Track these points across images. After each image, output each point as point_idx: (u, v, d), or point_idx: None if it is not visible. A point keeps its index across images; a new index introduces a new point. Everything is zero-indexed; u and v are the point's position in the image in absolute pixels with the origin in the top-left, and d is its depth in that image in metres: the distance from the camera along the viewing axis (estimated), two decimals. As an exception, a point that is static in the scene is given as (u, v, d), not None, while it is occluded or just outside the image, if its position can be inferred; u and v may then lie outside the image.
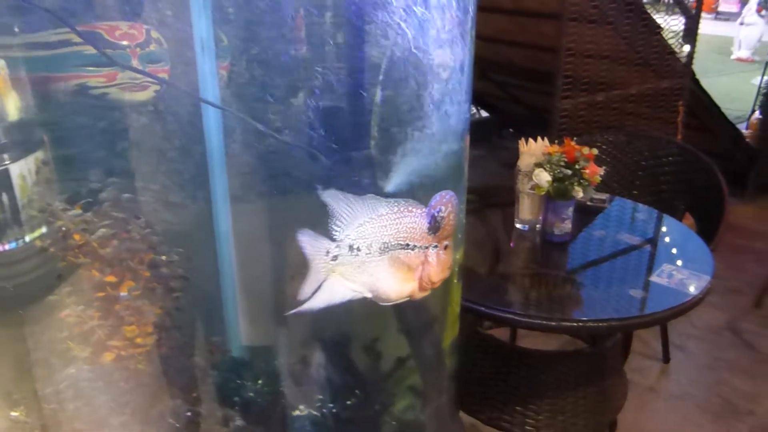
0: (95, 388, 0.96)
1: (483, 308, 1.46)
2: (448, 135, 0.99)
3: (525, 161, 1.70)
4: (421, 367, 1.18)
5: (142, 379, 1.00)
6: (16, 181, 0.86)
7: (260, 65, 0.98)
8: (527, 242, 1.80)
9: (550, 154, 1.64)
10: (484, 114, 5.49)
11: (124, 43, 0.94)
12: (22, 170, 0.86)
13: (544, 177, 1.61)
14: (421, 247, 0.89)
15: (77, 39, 0.92)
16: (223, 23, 0.95)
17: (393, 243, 0.87)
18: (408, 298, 0.92)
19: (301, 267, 0.87)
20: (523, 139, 1.75)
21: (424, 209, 0.88)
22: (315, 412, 1.11)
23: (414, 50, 0.89)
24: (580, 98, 2.62)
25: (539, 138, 1.74)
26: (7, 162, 0.85)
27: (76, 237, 1.00)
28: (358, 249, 0.86)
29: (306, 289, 0.87)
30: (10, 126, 0.84)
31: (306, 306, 0.88)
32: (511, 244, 1.82)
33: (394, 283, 0.89)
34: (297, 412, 1.11)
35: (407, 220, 0.87)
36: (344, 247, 0.86)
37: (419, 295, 0.92)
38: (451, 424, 1.29)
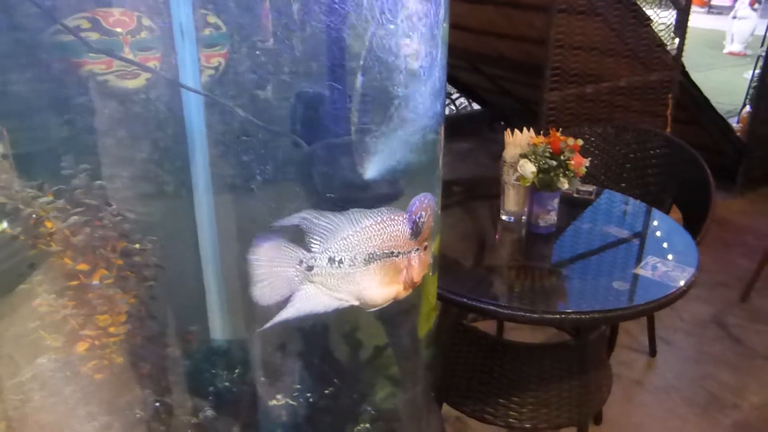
0: (63, 378, 0.94)
1: (466, 300, 1.45)
2: (419, 124, 0.98)
3: (510, 152, 1.69)
4: (397, 356, 1.17)
5: (113, 369, 0.98)
6: None
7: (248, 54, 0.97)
8: (512, 234, 1.79)
9: (535, 144, 1.63)
10: (476, 107, 5.48)
11: (118, 30, 0.93)
12: None
13: (528, 168, 1.59)
14: (404, 252, 0.89)
15: (86, 24, 0.91)
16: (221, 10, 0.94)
17: (378, 253, 0.87)
18: (393, 300, 0.93)
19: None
20: (509, 130, 1.73)
21: (405, 216, 0.89)
22: (292, 402, 1.10)
23: (380, 38, 0.88)
24: (569, 90, 2.61)
25: (525, 129, 1.73)
26: None
27: (48, 224, 0.99)
28: (341, 262, 0.86)
29: (273, 298, 0.86)
30: None
31: (282, 316, 0.87)
32: (497, 236, 1.81)
33: (380, 290, 0.89)
34: (274, 402, 1.10)
35: (391, 229, 0.88)
36: (322, 258, 0.85)
37: (403, 294, 0.93)
38: (427, 414, 1.28)
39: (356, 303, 0.89)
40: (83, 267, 1.01)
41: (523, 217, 1.77)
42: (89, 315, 1.01)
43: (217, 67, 1.02)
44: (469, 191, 2.04)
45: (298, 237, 0.86)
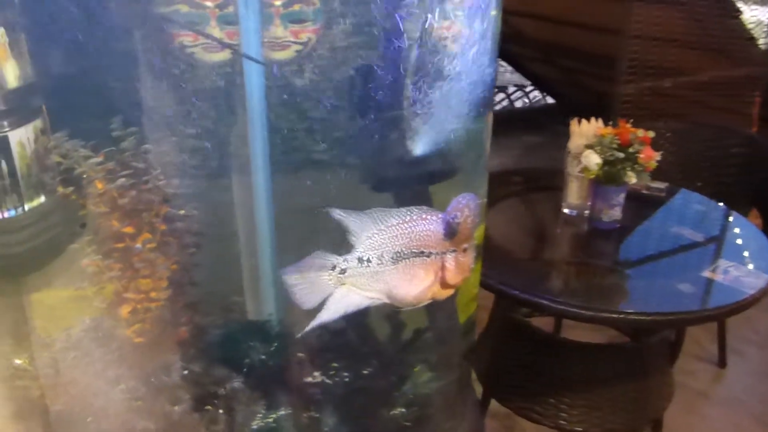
0: (104, 339, 0.95)
1: (518, 293, 1.40)
2: (460, 108, 0.94)
3: (575, 142, 1.62)
4: (435, 342, 1.13)
5: (152, 333, 0.99)
6: (15, 149, 0.84)
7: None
8: (573, 228, 1.72)
9: (602, 135, 1.55)
10: (551, 101, 5.34)
11: (207, 3, 0.93)
12: (21, 138, 0.85)
13: (593, 159, 1.52)
14: (437, 253, 0.86)
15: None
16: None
17: (406, 252, 0.85)
18: (431, 300, 0.91)
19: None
20: (576, 119, 1.66)
21: (438, 215, 0.86)
22: (328, 380, 1.08)
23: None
24: (645, 83, 2.48)
25: (593, 119, 1.65)
26: (6, 129, 0.84)
27: (99, 185, 1.00)
28: (369, 260, 0.85)
29: (307, 305, 0.86)
30: (9, 94, 0.83)
31: (318, 320, 0.87)
32: (557, 230, 1.74)
33: (411, 289, 0.87)
34: (310, 379, 1.08)
35: (420, 228, 0.85)
36: (352, 260, 0.85)
37: (441, 295, 0.90)
38: (462, 404, 1.23)
39: (387, 301, 0.88)
40: (129, 230, 1.01)
41: (586, 212, 1.69)
42: (132, 278, 1.02)
43: (305, 42, 1.01)
44: (531, 182, 1.97)
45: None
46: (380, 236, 0.84)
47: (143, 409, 0.91)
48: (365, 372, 1.10)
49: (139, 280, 1.02)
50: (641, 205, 1.81)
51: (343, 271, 0.84)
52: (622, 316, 1.37)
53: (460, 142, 0.97)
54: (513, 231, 1.69)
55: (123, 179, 0.98)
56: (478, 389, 1.76)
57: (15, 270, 0.92)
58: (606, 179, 1.56)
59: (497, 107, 5.35)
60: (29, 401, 0.93)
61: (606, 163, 1.52)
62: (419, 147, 0.98)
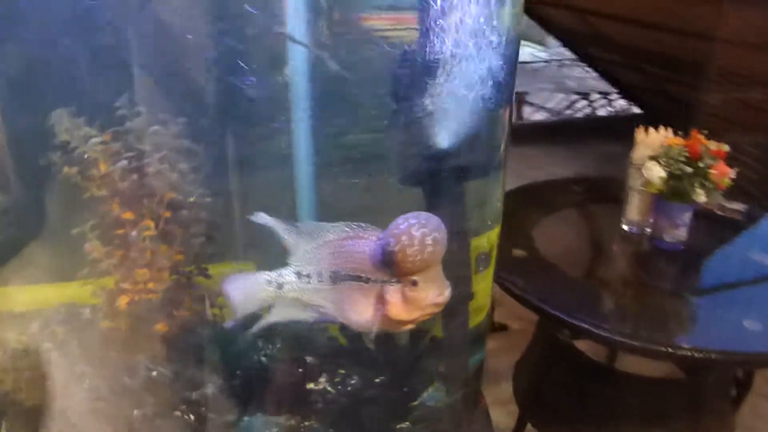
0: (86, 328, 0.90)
1: (560, 314, 1.27)
2: (465, 107, 0.84)
3: (639, 153, 1.47)
4: (445, 352, 1.04)
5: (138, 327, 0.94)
6: None
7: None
8: (632, 246, 1.56)
9: (669, 146, 1.40)
10: (637, 110, 5.07)
11: None
12: None
13: (656, 172, 1.37)
14: (375, 280, 0.75)
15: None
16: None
17: (342, 273, 0.76)
18: (382, 329, 0.79)
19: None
20: (642, 127, 1.50)
21: (378, 235, 0.74)
22: (331, 388, 1.00)
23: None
24: (734, 94, 2.26)
25: (662, 128, 1.49)
26: None
27: (102, 166, 0.95)
28: (308, 276, 0.77)
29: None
30: None
31: (263, 322, 0.82)
32: (613, 246, 1.59)
33: (353, 315, 0.76)
34: (312, 385, 1.00)
35: (355, 249, 0.75)
36: (289, 275, 0.78)
37: (396, 327, 0.78)
38: (469, 422, 1.13)
39: (339, 319, 0.79)
40: (128, 216, 0.96)
41: (647, 229, 1.54)
42: (130, 268, 0.97)
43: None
44: (591, 193, 1.82)
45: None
46: (317, 252, 0.76)
47: (104, 410, 0.85)
48: (375, 381, 1.02)
49: (136, 270, 0.97)
50: (712, 226, 1.63)
51: (280, 286, 0.78)
52: (675, 350, 1.22)
53: (470, 139, 0.87)
54: (564, 244, 1.56)
55: (125, 161, 0.94)
56: (514, 410, 1.65)
57: None
58: (671, 195, 1.40)
59: (578, 114, 5.13)
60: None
61: (671, 177, 1.37)
62: (439, 140, 0.89)
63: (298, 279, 0.77)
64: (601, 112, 5.27)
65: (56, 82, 0.89)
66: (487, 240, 1.00)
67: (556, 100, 5.25)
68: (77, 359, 0.88)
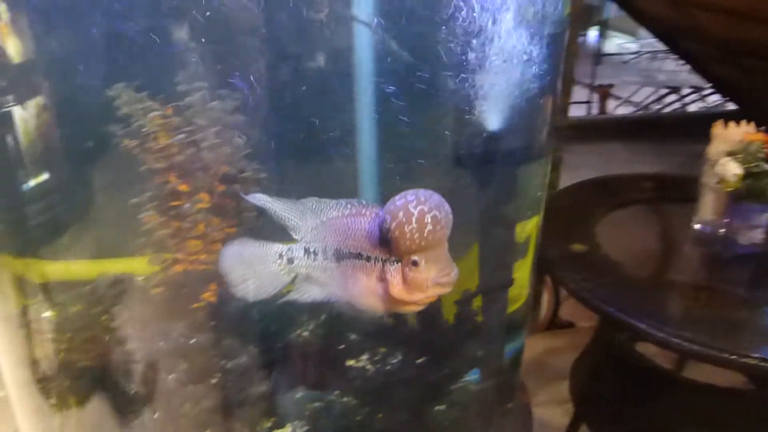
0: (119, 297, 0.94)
1: (622, 315, 1.22)
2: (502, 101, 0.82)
3: (716, 148, 1.39)
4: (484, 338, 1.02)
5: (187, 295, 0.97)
6: (18, 124, 0.84)
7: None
8: (703, 248, 1.48)
9: (748, 142, 1.31)
10: (732, 106, 4.80)
11: None
12: (23, 114, 0.84)
13: (731, 169, 1.29)
14: (376, 258, 0.73)
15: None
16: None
17: (344, 251, 0.74)
18: (388, 311, 0.77)
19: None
20: (721, 121, 1.42)
21: (377, 212, 0.72)
22: (370, 366, 1.00)
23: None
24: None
25: (745, 122, 1.40)
26: (10, 104, 0.84)
27: (162, 139, 0.98)
28: (315, 253, 0.77)
29: (263, 295, 0.80)
30: (11, 69, 0.83)
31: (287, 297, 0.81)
32: (684, 248, 1.51)
33: (357, 294, 0.75)
34: (352, 362, 1.01)
35: (355, 226, 0.73)
36: (298, 250, 0.77)
37: (403, 309, 0.76)
38: (502, 412, 1.10)
39: (347, 300, 0.78)
40: (184, 188, 1.00)
41: (722, 230, 1.45)
42: (184, 238, 1.00)
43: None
44: (664, 190, 1.74)
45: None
46: (321, 229, 0.75)
47: (144, 372, 0.89)
48: (415, 361, 1.02)
49: (190, 240, 1.00)
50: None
51: (290, 260, 0.77)
52: (742, 359, 1.15)
53: (505, 124, 0.84)
54: (629, 242, 1.50)
55: (182, 135, 0.97)
56: (571, 410, 1.60)
57: (24, 245, 0.93)
58: (747, 194, 1.32)
59: (667, 110, 4.90)
60: (51, 359, 0.95)
61: (749, 175, 1.29)
62: (475, 122, 0.87)
63: (305, 256, 0.77)
64: (693, 108, 5.01)
65: (119, 57, 0.93)
66: (525, 229, 0.97)
67: (644, 94, 5.03)
68: (128, 324, 0.92)
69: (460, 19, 0.81)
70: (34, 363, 0.96)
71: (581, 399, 1.55)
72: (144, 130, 0.96)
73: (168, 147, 0.98)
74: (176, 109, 0.95)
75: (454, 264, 0.71)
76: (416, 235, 0.68)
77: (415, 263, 0.70)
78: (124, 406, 0.94)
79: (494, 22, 0.81)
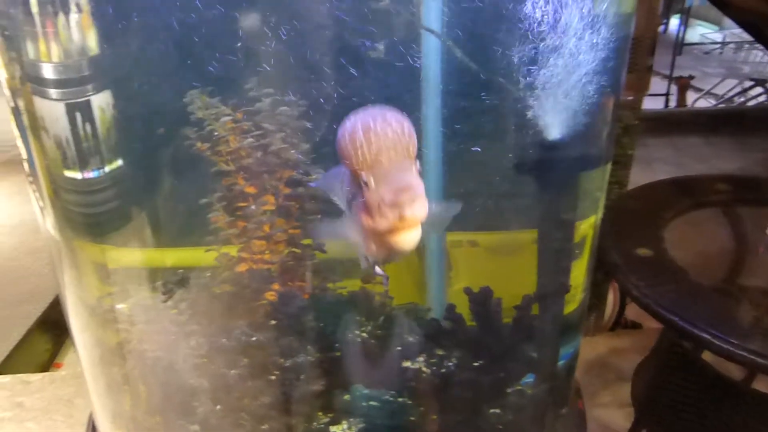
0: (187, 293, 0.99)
1: (687, 325, 1.19)
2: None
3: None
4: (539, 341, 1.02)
5: (251, 293, 1.01)
6: (96, 113, 0.89)
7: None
8: (778, 255, 1.43)
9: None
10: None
11: None
12: (101, 103, 0.89)
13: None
14: (351, 189, 0.71)
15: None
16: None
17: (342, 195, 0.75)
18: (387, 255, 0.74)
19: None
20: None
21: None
22: (426, 369, 1.02)
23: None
24: None
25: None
26: (90, 93, 0.88)
27: (233, 142, 1.03)
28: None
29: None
30: (91, 60, 0.87)
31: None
32: (757, 254, 1.46)
33: (360, 239, 0.73)
34: (408, 364, 1.03)
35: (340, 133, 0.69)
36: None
37: (389, 245, 0.69)
38: (554, 421, 1.10)
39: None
40: (251, 190, 1.04)
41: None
42: (250, 238, 1.05)
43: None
44: (739, 192, 1.67)
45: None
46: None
47: (207, 367, 0.94)
48: (472, 364, 1.03)
49: (254, 240, 1.05)
50: None
51: None
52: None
53: (565, 127, 0.84)
54: (699, 248, 1.46)
55: (251, 139, 1.01)
56: (630, 412, 1.58)
57: (100, 228, 0.98)
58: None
59: (751, 102, 4.68)
60: (121, 349, 1.01)
61: (829, 183, 1.23)
62: (550, 130, 0.87)
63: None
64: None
65: (194, 63, 0.98)
66: (580, 230, 0.97)
67: (727, 86, 4.82)
68: (191, 318, 0.97)
69: (527, 22, 0.80)
70: (106, 347, 1.03)
71: (643, 404, 1.53)
72: (216, 134, 1.01)
73: (237, 150, 1.02)
74: (246, 114, 0.99)
75: (415, 187, 0.65)
76: (358, 150, 0.64)
77: (365, 183, 0.66)
78: (187, 395, 1.00)
79: (558, 28, 0.81)
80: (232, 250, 1.05)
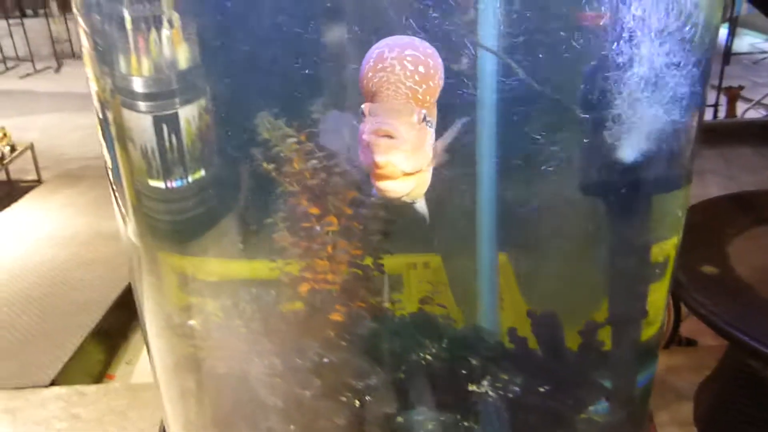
0: (260, 312, 1.00)
1: (755, 343, 1.16)
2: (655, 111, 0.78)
3: None
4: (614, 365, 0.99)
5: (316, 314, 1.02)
6: (182, 125, 0.91)
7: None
8: None
9: None
10: None
11: None
12: (187, 115, 0.91)
13: None
14: None
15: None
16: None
17: None
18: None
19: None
20: None
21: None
22: (492, 393, 1.01)
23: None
24: None
25: None
26: (177, 107, 0.91)
27: (295, 165, 1.04)
28: None
29: None
30: (180, 74, 0.90)
31: None
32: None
33: None
34: (473, 387, 1.02)
35: None
36: None
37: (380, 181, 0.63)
38: None
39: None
40: (314, 211, 1.04)
41: None
42: (313, 259, 1.05)
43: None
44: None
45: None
46: None
47: (278, 386, 0.94)
48: (538, 389, 1.01)
49: (317, 260, 1.05)
50: None
51: None
52: None
53: (650, 151, 0.82)
54: (764, 265, 1.41)
55: (315, 161, 1.01)
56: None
57: (178, 237, 1.00)
58: None
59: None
60: (193, 360, 1.02)
61: None
62: (624, 150, 0.85)
63: None
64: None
65: (263, 85, 0.99)
66: (662, 251, 0.94)
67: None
68: (260, 336, 0.98)
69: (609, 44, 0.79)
70: (179, 357, 1.05)
71: (706, 425, 1.48)
72: (281, 155, 1.02)
73: (301, 171, 1.03)
74: (310, 135, 0.99)
75: (400, 135, 0.59)
76: (364, 78, 0.61)
77: (362, 113, 0.61)
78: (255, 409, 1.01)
79: (641, 47, 0.80)
80: (294, 269, 1.05)
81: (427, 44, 0.63)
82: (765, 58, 5.50)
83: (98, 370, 2.54)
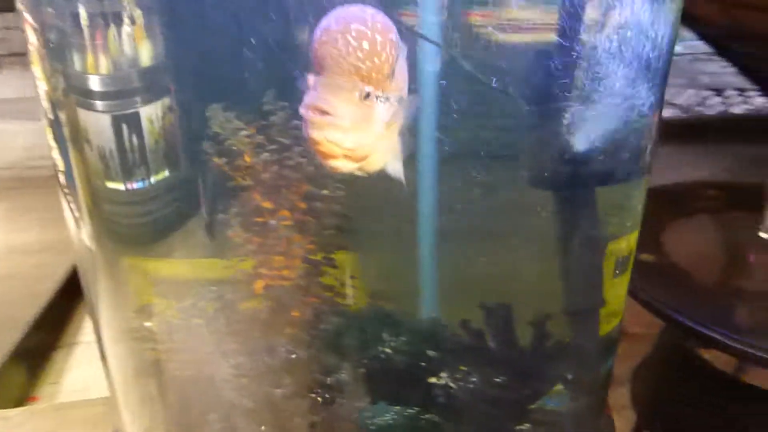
0: (222, 311, 0.97)
1: (691, 323, 1.22)
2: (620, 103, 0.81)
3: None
4: (574, 355, 1.02)
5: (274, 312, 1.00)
6: (144, 125, 0.88)
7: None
8: (770, 257, 1.47)
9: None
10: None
11: None
12: (150, 114, 0.88)
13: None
14: None
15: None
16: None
17: None
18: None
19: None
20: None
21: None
22: (452, 384, 1.02)
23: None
24: None
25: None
26: (138, 105, 0.87)
27: (247, 158, 1.01)
28: None
29: None
30: (142, 72, 0.87)
31: None
32: (750, 257, 1.50)
33: None
34: (433, 380, 1.02)
35: None
36: None
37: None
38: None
39: None
40: (268, 205, 1.02)
41: (791, 239, 1.44)
42: (267, 254, 1.03)
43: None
44: (729, 198, 1.72)
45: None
46: None
47: (246, 386, 0.92)
48: (497, 380, 1.03)
49: (273, 256, 1.03)
50: None
51: None
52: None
53: (615, 141, 0.84)
54: (696, 251, 1.49)
55: (267, 154, 0.99)
56: (631, 416, 1.59)
57: (140, 239, 0.97)
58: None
59: (710, 112, 4.82)
60: (150, 362, 0.98)
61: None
62: (580, 142, 0.87)
63: None
64: (737, 110, 4.92)
65: (216, 76, 0.95)
66: (627, 244, 0.98)
67: (686, 96, 4.95)
68: (222, 336, 0.95)
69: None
70: (138, 362, 1.00)
71: (644, 407, 1.55)
72: (233, 148, 0.99)
73: (253, 165, 1.01)
74: (261, 128, 0.97)
75: (336, 112, 0.59)
76: (312, 45, 0.60)
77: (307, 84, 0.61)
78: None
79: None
80: (247, 266, 1.03)
81: (381, 16, 0.61)
82: (676, 60, 5.81)
83: (20, 393, 2.39)
